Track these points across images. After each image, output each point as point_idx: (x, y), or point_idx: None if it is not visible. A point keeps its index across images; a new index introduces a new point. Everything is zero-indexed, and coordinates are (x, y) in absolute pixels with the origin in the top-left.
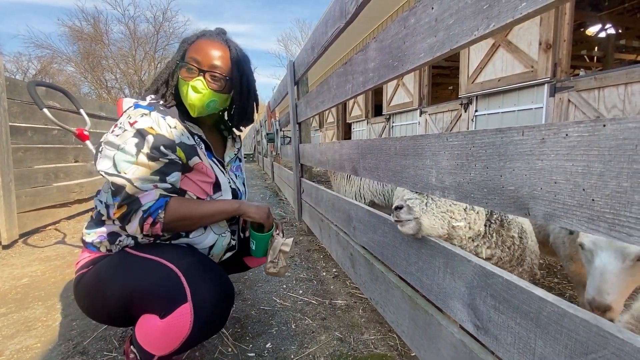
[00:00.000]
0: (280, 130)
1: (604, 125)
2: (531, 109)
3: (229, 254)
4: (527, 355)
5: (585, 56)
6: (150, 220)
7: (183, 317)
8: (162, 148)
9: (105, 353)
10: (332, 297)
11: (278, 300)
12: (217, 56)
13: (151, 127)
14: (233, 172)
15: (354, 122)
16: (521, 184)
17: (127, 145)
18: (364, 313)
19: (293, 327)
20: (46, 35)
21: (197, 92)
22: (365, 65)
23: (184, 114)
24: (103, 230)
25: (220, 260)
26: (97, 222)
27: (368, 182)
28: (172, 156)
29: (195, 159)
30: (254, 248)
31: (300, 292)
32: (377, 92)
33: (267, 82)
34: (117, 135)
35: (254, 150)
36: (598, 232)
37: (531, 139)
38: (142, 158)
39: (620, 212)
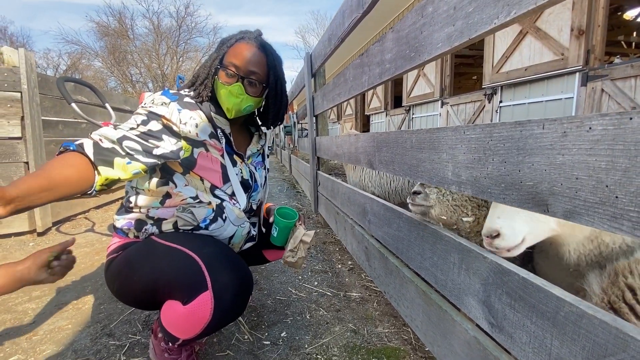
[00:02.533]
0: (298, 122)
1: (631, 118)
2: (560, 99)
3: (249, 244)
4: (542, 355)
5: (623, 42)
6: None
7: (204, 304)
8: (163, 135)
9: (130, 335)
10: (346, 289)
11: (293, 291)
12: (255, 62)
13: (164, 116)
14: (253, 165)
15: (372, 114)
16: (540, 180)
17: (131, 119)
18: (378, 306)
19: (308, 317)
20: (75, 32)
21: (235, 97)
22: (382, 56)
23: (215, 106)
24: (130, 217)
25: (241, 250)
26: (126, 208)
27: (369, 173)
28: (160, 148)
29: (200, 150)
30: (275, 235)
31: (316, 283)
32: (397, 83)
33: (285, 75)
34: (138, 114)
35: (272, 142)
36: (621, 231)
37: (552, 133)
38: (132, 132)
39: None
